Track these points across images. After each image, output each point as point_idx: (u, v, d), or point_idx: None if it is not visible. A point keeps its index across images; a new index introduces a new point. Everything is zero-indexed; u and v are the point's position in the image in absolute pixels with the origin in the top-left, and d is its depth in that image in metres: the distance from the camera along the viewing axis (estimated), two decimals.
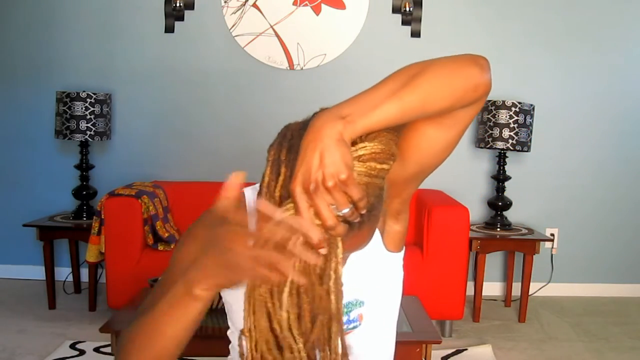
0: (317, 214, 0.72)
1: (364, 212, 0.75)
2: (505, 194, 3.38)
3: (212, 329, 1.84)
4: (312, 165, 0.72)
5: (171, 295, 0.79)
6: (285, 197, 0.78)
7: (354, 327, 1.06)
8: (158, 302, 0.82)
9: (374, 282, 1.07)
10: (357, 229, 0.79)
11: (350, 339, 1.06)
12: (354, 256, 0.89)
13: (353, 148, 0.77)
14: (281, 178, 0.79)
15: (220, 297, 1.11)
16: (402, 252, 1.10)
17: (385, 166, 0.79)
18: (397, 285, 1.12)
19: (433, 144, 0.91)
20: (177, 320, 0.79)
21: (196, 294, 0.76)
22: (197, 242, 0.94)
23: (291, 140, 0.81)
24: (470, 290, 3.30)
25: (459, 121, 0.89)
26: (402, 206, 1.03)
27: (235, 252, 0.71)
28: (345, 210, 0.73)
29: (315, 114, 0.80)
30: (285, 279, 0.72)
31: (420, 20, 3.54)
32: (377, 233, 1.04)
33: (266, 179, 0.81)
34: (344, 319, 1.04)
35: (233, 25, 3.54)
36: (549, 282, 3.65)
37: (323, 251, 0.73)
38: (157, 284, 0.97)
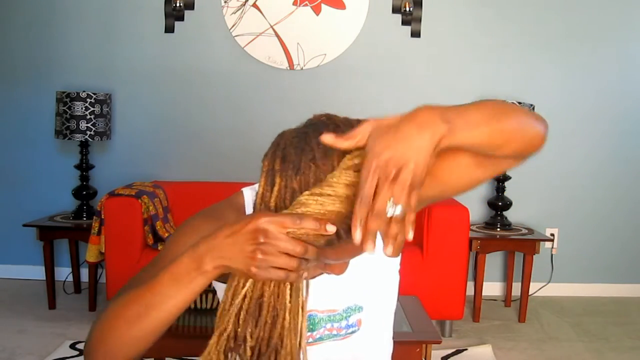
0: (376, 197, 0.69)
1: (411, 226, 0.72)
2: (505, 194, 3.38)
3: (211, 330, 1.84)
4: (404, 154, 0.69)
5: (175, 269, 0.78)
6: (280, 208, 0.78)
7: (353, 332, 1.06)
8: (152, 278, 0.80)
9: (372, 287, 1.07)
10: None
11: (348, 343, 1.06)
12: (353, 261, 0.89)
13: (347, 157, 0.77)
14: (276, 188, 0.78)
15: (215, 295, 1.11)
16: (399, 256, 1.11)
17: None
18: (393, 289, 1.12)
19: (464, 177, 0.92)
20: (179, 293, 0.78)
21: (205, 269, 0.75)
22: (198, 233, 0.92)
23: (285, 150, 0.80)
24: (470, 290, 3.30)
25: (496, 167, 0.91)
26: None
27: (261, 245, 0.72)
28: (398, 211, 0.70)
29: (310, 119, 0.80)
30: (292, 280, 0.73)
31: (420, 20, 3.54)
32: (378, 236, 1.04)
33: (261, 189, 0.80)
34: (343, 323, 1.05)
35: (233, 25, 3.54)
36: (549, 282, 3.65)
37: (330, 228, 0.73)
38: (144, 269, 0.94)
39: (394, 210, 0.70)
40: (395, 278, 1.12)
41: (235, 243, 0.73)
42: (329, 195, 0.75)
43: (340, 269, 0.88)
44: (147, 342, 0.82)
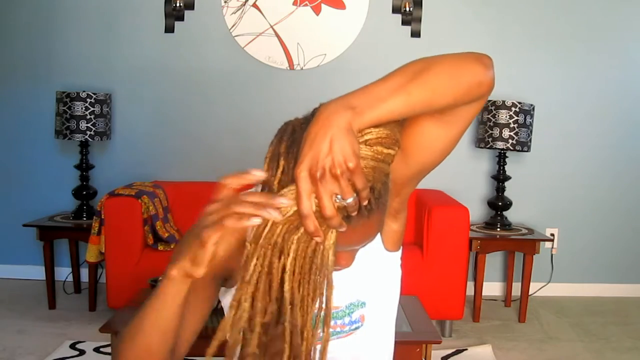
0: (319, 202, 0.71)
1: (366, 202, 0.75)
2: (505, 194, 3.38)
3: (212, 329, 1.84)
4: (320, 151, 0.71)
5: (157, 286, 0.83)
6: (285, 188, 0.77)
7: (356, 328, 1.06)
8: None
9: (374, 282, 1.07)
10: (366, 217, 0.78)
11: (352, 340, 1.06)
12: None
13: (359, 133, 0.77)
14: (279, 170, 0.78)
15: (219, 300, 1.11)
16: (400, 251, 1.11)
17: (391, 151, 0.79)
18: (396, 284, 1.12)
19: (435, 142, 0.92)
20: (158, 306, 0.82)
21: (170, 275, 0.79)
22: None
23: (293, 135, 0.80)
24: (470, 290, 3.30)
25: (460, 119, 0.89)
26: (401, 205, 1.03)
27: (201, 223, 0.74)
28: (349, 200, 0.72)
29: (316, 108, 0.80)
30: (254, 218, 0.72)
31: (420, 20, 3.54)
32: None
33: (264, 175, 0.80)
34: (346, 320, 1.04)
35: (233, 25, 3.54)
36: (549, 282, 3.65)
37: (318, 239, 0.73)
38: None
39: (344, 203, 0.72)
40: (397, 272, 1.12)
41: (184, 240, 0.80)
42: None
43: (347, 260, 0.86)
44: (156, 354, 0.86)
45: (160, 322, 0.83)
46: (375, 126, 0.78)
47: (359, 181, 0.72)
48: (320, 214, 0.72)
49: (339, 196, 0.72)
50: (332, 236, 0.74)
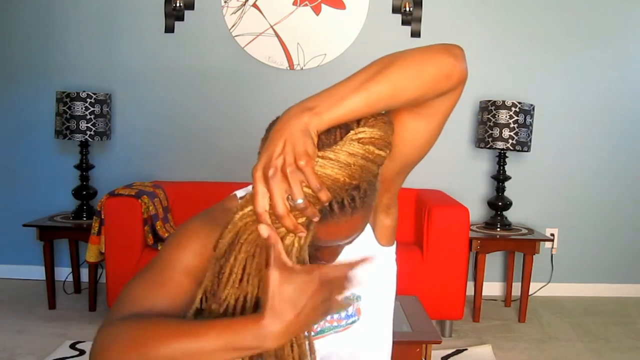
0: (270, 200, 0.72)
1: (323, 205, 0.75)
2: (505, 194, 3.38)
3: None
4: (274, 152, 0.72)
5: (232, 337, 0.74)
6: None
7: (353, 322, 1.07)
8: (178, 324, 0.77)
9: (369, 276, 1.07)
10: (349, 214, 0.79)
11: (349, 335, 1.07)
12: (347, 251, 0.89)
13: (352, 132, 0.78)
14: None
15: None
16: (394, 245, 1.12)
17: (382, 153, 0.79)
18: (391, 278, 1.13)
19: (415, 136, 0.92)
20: (195, 350, 0.74)
21: (267, 345, 0.73)
22: (198, 238, 0.92)
23: (267, 132, 0.83)
24: (470, 290, 3.30)
25: (437, 111, 0.89)
26: (392, 200, 1.05)
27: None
28: (299, 201, 0.73)
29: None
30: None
31: (420, 20, 3.54)
32: (369, 228, 1.06)
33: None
34: (343, 314, 1.05)
35: (233, 25, 3.54)
36: (549, 282, 3.65)
37: (325, 194, 0.74)
38: (143, 272, 0.91)
39: (294, 203, 0.73)
40: (393, 267, 1.13)
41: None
42: (330, 158, 0.75)
43: (330, 256, 0.88)
44: None
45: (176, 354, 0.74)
46: (370, 126, 0.79)
47: (312, 181, 0.72)
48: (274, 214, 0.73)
49: (299, 198, 0.73)
50: (294, 240, 0.76)
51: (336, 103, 0.77)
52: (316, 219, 0.75)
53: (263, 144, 0.81)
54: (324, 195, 0.73)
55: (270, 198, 0.72)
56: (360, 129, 0.78)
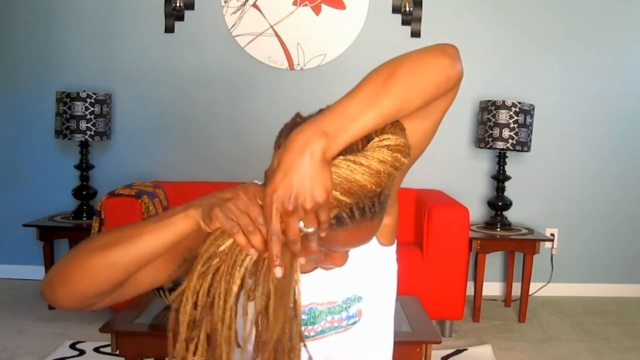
0: (286, 229, 0.74)
1: (324, 230, 0.76)
2: (505, 194, 3.38)
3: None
4: (293, 184, 0.72)
5: (162, 215, 0.82)
6: None
7: (354, 323, 1.07)
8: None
9: (370, 276, 1.08)
10: (369, 220, 0.80)
11: (350, 336, 1.07)
12: (350, 251, 0.90)
13: (377, 138, 0.78)
14: None
15: None
16: (395, 245, 1.12)
17: (406, 160, 0.80)
18: (392, 278, 1.13)
19: (413, 135, 0.92)
20: (157, 230, 0.80)
21: (188, 212, 0.79)
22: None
23: (279, 138, 0.84)
24: (470, 290, 3.30)
25: (434, 111, 0.90)
26: (392, 200, 1.04)
27: (235, 200, 0.76)
28: (311, 230, 0.75)
29: (322, 109, 0.80)
30: (254, 250, 0.75)
31: (420, 20, 3.54)
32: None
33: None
34: (344, 315, 1.05)
35: (233, 25, 3.54)
36: (549, 282, 3.65)
37: (279, 272, 0.75)
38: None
39: (306, 230, 0.75)
40: (393, 266, 1.12)
41: (215, 196, 0.80)
42: (361, 164, 0.75)
43: (341, 260, 0.88)
44: (119, 273, 0.82)
45: (147, 245, 0.80)
46: (392, 133, 0.79)
47: (323, 215, 0.74)
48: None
49: (301, 222, 0.74)
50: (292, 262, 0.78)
51: (348, 123, 0.76)
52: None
53: (276, 150, 0.81)
54: (325, 226, 0.76)
55: (286, 227, 0.74)
56: (385, 136, 0.78)
